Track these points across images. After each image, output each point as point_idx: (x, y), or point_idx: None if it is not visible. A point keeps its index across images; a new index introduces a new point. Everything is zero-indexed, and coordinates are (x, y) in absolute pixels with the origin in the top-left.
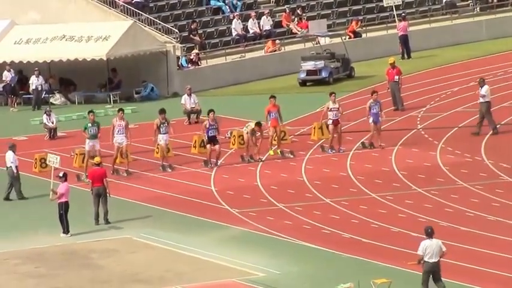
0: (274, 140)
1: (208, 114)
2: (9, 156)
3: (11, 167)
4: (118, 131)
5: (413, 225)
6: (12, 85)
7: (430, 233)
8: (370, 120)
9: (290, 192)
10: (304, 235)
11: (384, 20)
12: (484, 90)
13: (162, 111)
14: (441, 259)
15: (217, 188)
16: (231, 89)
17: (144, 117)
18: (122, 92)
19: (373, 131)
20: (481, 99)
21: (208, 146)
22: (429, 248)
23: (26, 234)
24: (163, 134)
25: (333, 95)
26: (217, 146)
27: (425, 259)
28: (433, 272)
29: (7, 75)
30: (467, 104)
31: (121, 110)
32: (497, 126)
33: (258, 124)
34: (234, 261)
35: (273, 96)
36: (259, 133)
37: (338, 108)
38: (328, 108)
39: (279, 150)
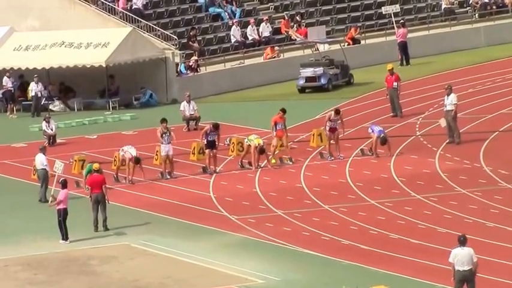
0: (281, 147)
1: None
2: (41, 158)
3: (44, 169)
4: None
5: (412, 231)
6: (13, 91)
7: (462, 241)
8: (370, 130)
9: (289, 199)
10: (303, 242)
11: (382, 26)
12: (451, 98)
13: (164, 121)
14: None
15: (216, 195)
16: (230, 96)
17: (143, 124)
18: (121, 99)
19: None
20: (448, 107)
21: (207, 151)
22: (459, 256)
23: (26, 240)
24: (166, 144)
25: (337, 112)
26: (214, 151)
27: (457, 268)
28: (466, 281)
29: (7, 81)
30: (466, 110)
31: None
32: (459, 137)
33: (261, 151)
34: (233, 268)
35: (283, 111)
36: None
37: (338, 120)
38: (329, 118)
39: (286, 160)
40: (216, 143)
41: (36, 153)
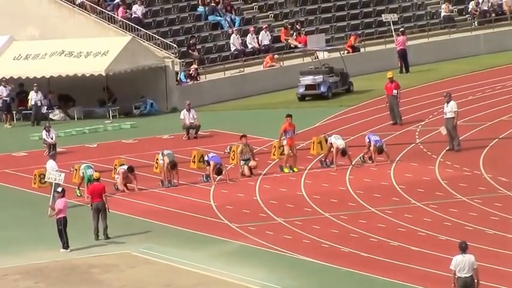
0: (281, 155)
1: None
2: (51, 164)
3: None
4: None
5: (413, 239)
6: (8, 101)
7: (463, 248)
8: (366, 139)
9: (289, 207)
10: (304, 249)
11: (382, 34)
12: (451, 105)
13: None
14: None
15: (217, 203)
16: (230, 104)
17: (143, 133)
18: (121, 107)
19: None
20: (448, 115)
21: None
22: (461, 263)
23: (26, 249)
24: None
25: (346, 154)
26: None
27: (458, 274)
28: (467, 287)
29: (2, 91)
30: (465, 118)
31: None
32: (459, 144)
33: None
34: (233, 276)
35: (289, 115)
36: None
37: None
38: (332, 144)
39: (295, 168)
40: (223, 171)
41: (36, 162)
